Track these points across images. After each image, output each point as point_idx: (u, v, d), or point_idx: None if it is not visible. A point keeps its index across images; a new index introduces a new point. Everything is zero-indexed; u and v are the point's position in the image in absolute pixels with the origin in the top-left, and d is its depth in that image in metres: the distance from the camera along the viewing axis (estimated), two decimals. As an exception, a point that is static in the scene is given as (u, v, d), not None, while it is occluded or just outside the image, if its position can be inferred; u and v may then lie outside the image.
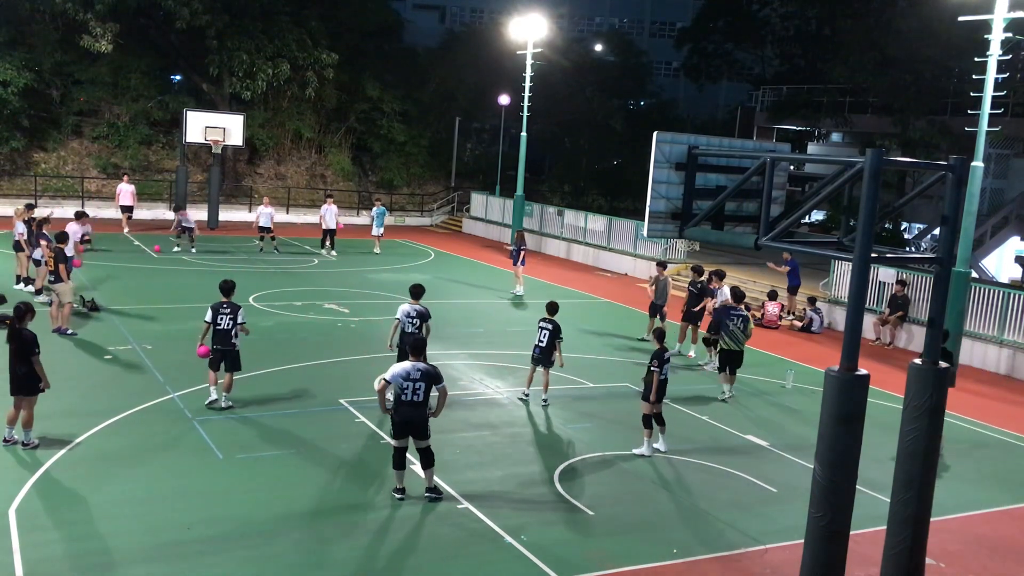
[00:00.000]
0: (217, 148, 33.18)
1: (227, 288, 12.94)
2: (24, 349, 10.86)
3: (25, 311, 11.07)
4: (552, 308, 14.41)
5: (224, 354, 12.77)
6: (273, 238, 28.69)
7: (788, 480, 11.93)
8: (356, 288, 23.45)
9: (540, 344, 14.07)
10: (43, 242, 18.29)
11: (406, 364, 10.28)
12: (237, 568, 8.65)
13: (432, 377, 10.19)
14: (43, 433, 11.32)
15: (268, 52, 37.17)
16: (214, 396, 12.99)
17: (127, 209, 30.43)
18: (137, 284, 21.94)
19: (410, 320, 13.35)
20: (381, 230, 30.80)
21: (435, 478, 10.57)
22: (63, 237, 17.60)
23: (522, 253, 24.11)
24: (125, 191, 30.49)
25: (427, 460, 10.42)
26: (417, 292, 13.79)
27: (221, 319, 12.66)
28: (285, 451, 11.65)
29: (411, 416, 10.19)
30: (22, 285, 19.90)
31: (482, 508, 10.31)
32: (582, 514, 10.41)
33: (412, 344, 10.64)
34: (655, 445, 12.54)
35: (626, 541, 9.83)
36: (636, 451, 12.46)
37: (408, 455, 10.49)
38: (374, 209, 31.51)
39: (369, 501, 10.37)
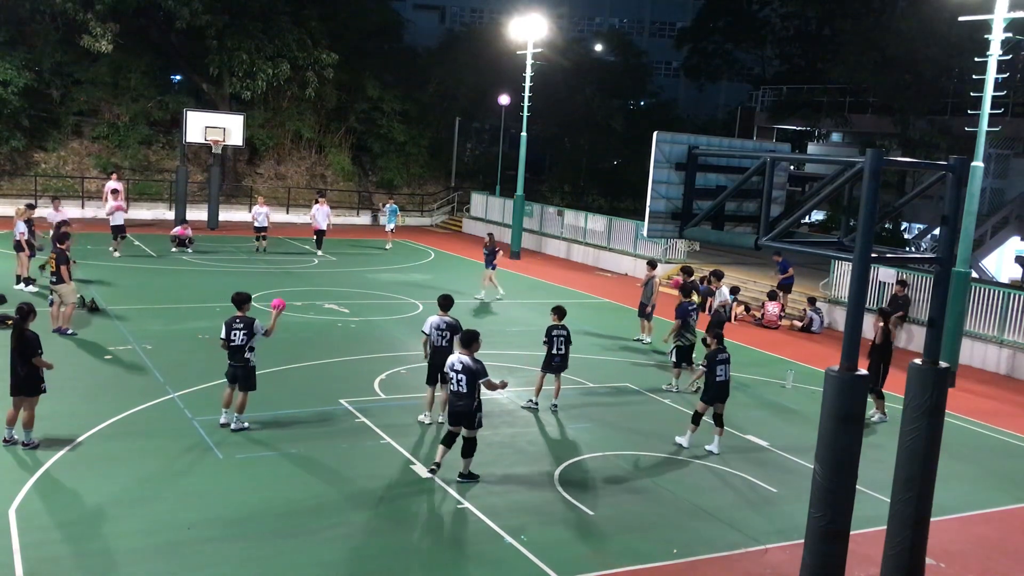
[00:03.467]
0: (217, 148, 33.18)
1: (239, 300, 12.10)
2: (26, 349, 10.88)
3: (28, 311, 11.09)
4: (563, 313, 14.19)
5: (236, 371, 12.03)
6: (264, 238, 28.46)
7: (788, 480, 11.94)
8: (356, 288, 23.45)
9: (560, 352, 13.95)
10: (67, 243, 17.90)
11: (453, 356, 10.89)
12: (237, 568, 8.65)
13: (473, 372, 10.72)
14: (43, 433, 11.32)
15: (268, 52, 37.16)
16: (224, 420, 12.25)
17: None
18: (137, 284, 21.95)
19: (440, 333, 12.73)
20: (392, 227, 31.67)
21: (469, 468, 11.06)
22: (63, 238, 17.57)
23: (496, 255, 23.29)
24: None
25: (466, 449, 10.98)
26: (446, 303, 13.02)
27: (234, 334, 11.89)
28: (285, 451, 11.65)
29: (457, 406, 10.85)
30: (22, 285, 19.89)
31: (482, 508, 10.31)
32: (582, 514, 10.41)
33: (461, 337, 11.11)
34: (709, 447, 12.83)
35: (626, 541, 9.83)
36: (678, 439, 13.01)
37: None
38: (387, 206, 32.85)
39: (369, 501, 10.36)
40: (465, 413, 10.80)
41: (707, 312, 18.40)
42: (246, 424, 12.31)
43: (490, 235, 24.14)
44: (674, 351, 16.06)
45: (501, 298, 23.21)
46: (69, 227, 18.85)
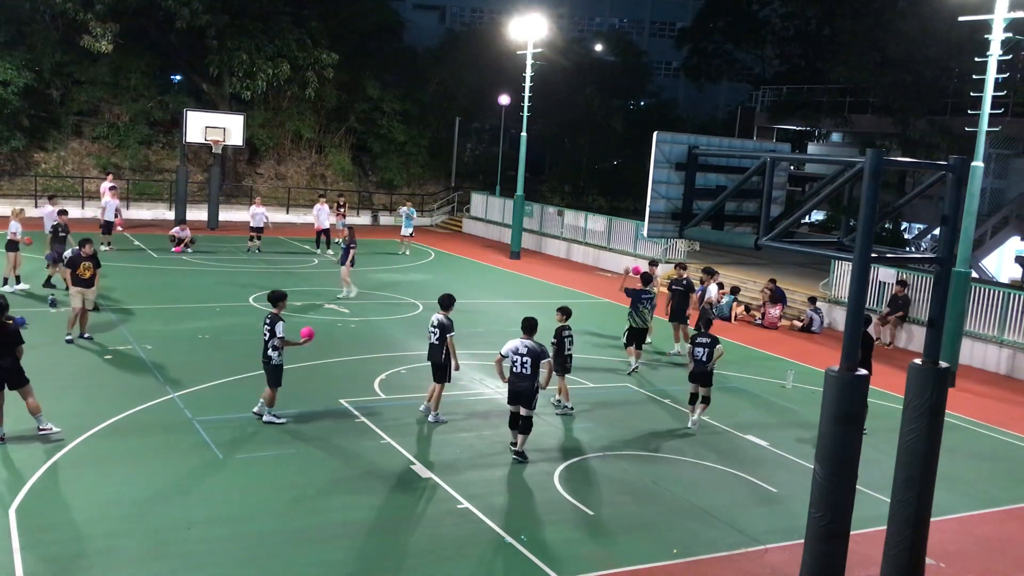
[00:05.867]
0: (217, 148, 33.18)
1: (272, 299, 12.73)
2: (10, 341, 11.00)
3: (5, 305, 11.18)
4: (570, 313, 14.17)
5: (264, 367, 12.51)
6: (257, 238, 28.38)
7: (788, 480, 11.93)
8: (356, 288, 23.41)
9: (569, 352, 13.94)
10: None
11: (516, 341, 11.67)
12: (237, 568, 8.65)
13: (537, 354, 11.57)
14: (43, 433, 11.35)
15: (268, 52, 37.18)
16: (256, 410, 12.74)
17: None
18: (137, 284, 21.93)
19: (432, 330, 12.96)
20: (409, 231, 31.15)
21: (525, 446, 11.87)
22: (84, 243, 17.32)
23: (351, 252, 21.88)
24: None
25: (524, 427, 11.81)
26: (445, 302, 13.10)
27: (263, 330, 12.47)
28: (285, 451, 11.65)
29: (518, 386, 11.64)
30: (8, 286, 19.77)
31: (482, 508, 10.31)
32: (582, 514, 10.41)
33: (524, 324, 11.82)
34: (692, 418, 13.84)
35: (626, 541, 9.83)
36: (688, 425, 13.82)
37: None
38: (402, 209, 32.23)
39: (369, 501, 10.36)
40: (525, 392, 11.61)
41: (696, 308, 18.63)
42: (275, 419, 12.54)
43: (350, 229, 23.10)
44: (626, 332, 17.14)
45: (352, 298, 21.88)
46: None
